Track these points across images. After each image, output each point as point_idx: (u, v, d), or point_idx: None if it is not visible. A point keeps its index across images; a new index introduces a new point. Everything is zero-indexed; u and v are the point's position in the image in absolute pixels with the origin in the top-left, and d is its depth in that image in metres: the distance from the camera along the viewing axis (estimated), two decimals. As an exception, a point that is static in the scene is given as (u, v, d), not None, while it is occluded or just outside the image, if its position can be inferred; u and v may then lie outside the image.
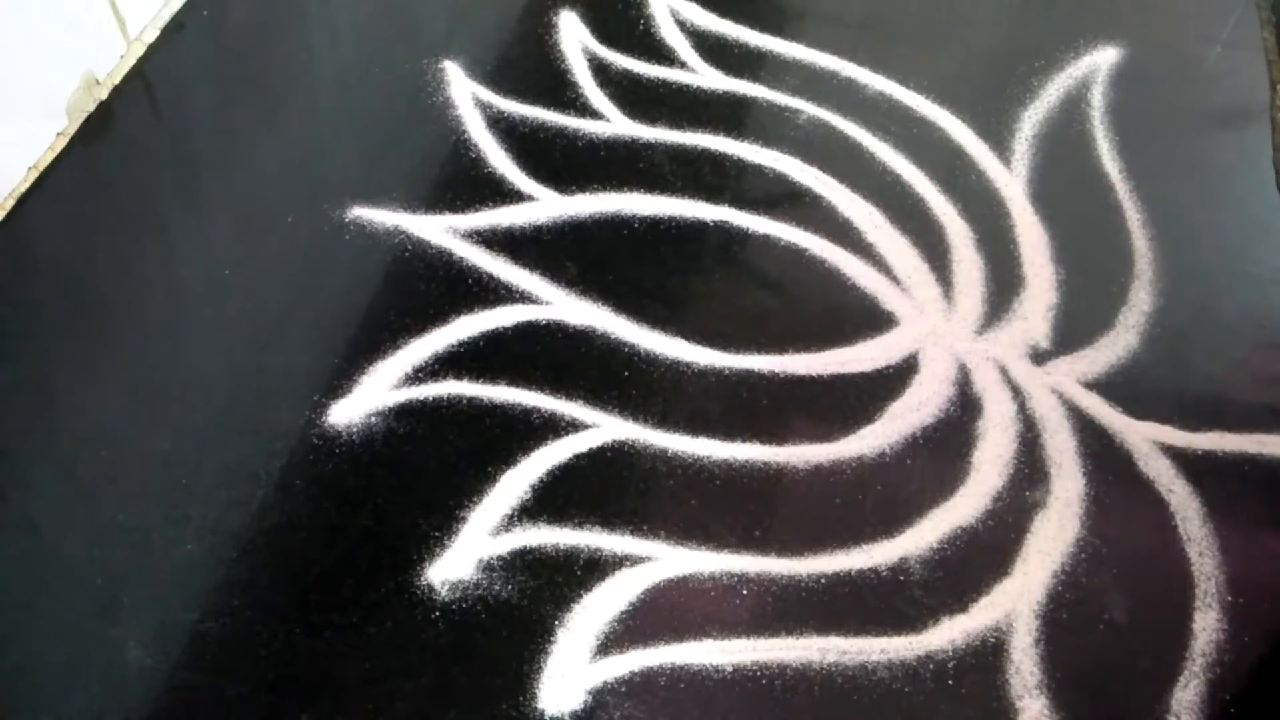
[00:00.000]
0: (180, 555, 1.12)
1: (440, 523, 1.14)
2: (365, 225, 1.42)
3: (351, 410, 1.23)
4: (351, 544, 1.13)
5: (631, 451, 1.21)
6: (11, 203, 1.38)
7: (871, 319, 1.35)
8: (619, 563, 1.12)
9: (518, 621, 1.08)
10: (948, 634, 1.08)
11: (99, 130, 1.47)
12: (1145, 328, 1.33)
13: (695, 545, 1.14)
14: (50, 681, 1.05)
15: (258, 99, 1.57)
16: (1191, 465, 1.21)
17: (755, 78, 1.63)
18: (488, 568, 1.11)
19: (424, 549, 1.13)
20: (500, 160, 1.50)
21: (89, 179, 1.43)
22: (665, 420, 1.23)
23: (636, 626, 1.08)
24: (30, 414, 1.22)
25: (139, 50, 1.55)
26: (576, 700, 1.03)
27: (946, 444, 1.23)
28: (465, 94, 1.58)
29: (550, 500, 1.17)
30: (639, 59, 1.65)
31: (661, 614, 1.09)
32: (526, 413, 1.24)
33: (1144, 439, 1.22)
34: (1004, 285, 1.38)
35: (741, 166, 1.51)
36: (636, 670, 1.05)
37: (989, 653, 1.07)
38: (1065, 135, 1.55)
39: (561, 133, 1.54)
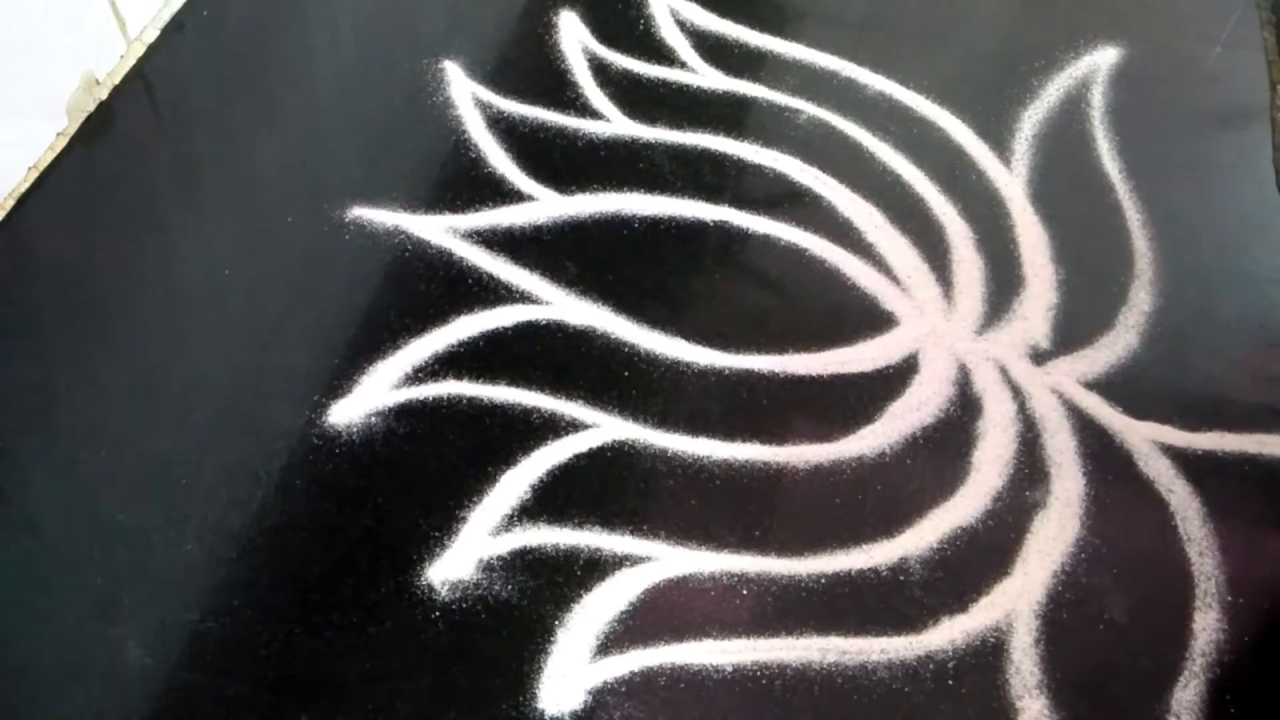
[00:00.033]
0: (180, 555, 1.12)
1: (440, 523, 1.14)
2: (365, 225, 1.42)
3: (351, 410, 1.23)
4: (351, 544, 1.13)
5: (631, 451, 1.21)
6: (11, 203, 1.38)
7: (871, 319, 1.35)
8: (619, 563, 1.12)
9: (518, 621, 1.08)
10: (948, 634, 1.08)
11: (99, 130, 1.47)
12: (1145, 328, 1.33)
13: (695, 545, 1.14)
14: (50, 681, 1.05)
15: (258, 99, 1.57)
16: (1191, 465, 1.21)
17: (755, 78, 1.63)
18: (488, 568, 1.11)
19: (424, 549, 1.13)
20: (500, 160, 1.50)
21: (89, 179, 1.43)
22: (665, 420, 1.23)
23: (636, 626, 1.08)
24: (30, 414, 1.22)
25: (139, 50, 1.56)
26: (576, 700, 1.03)
27: (946, 444, 1.23)
28: (465, 94, 1.58)
29: (550, 500, 1.17)
30: (639, 59, 1.65)
31: (661, 614, 1.09)
32: (526, 413, 1.24)
33: (1144, 439, 1.22)
34: (1004, 285, 1.38)
35: (741, 166, 1.51)
36: (636, 670, 1.05)
37: (989, 653, 1.07)
38: (1065, 135, 1.55)
39: (561, 133, 1.54)
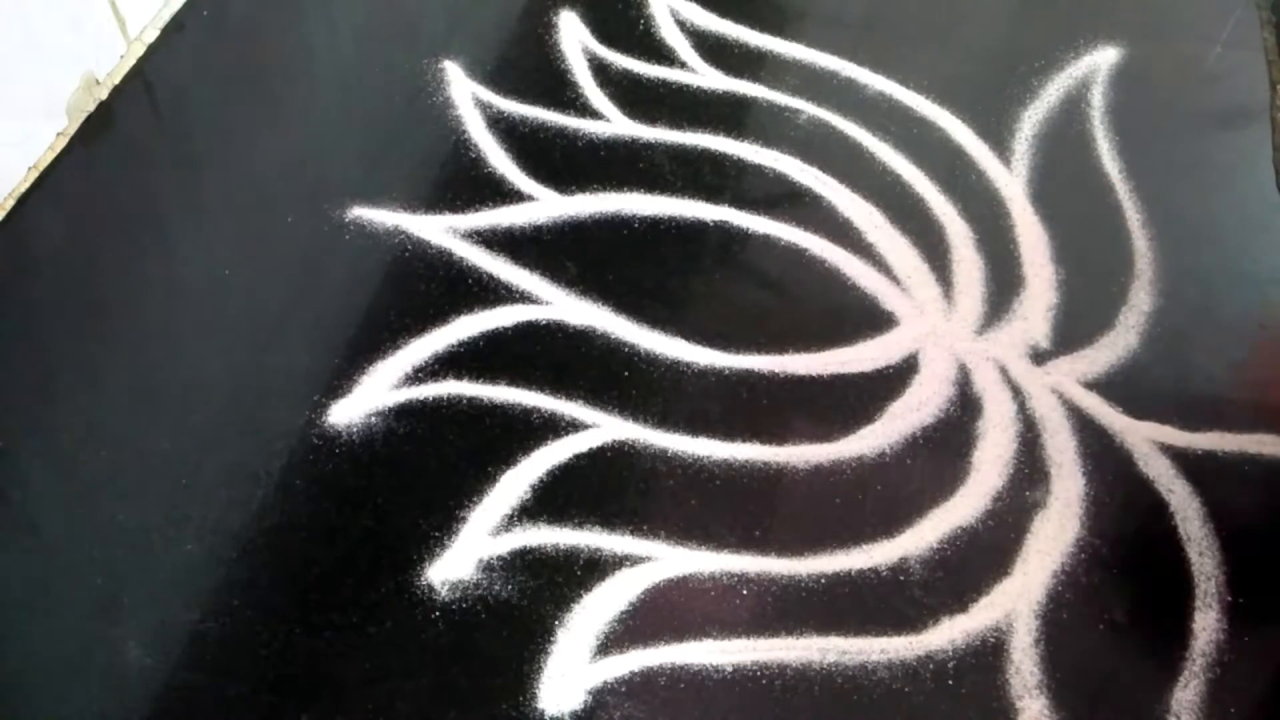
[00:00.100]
0: (180, 555, 1.12)
1: (440, 523, 1.14)
2: (365, 225, 1.42)
3: (351, 410, 1.23)
4: (351, 544, 1.13)
5: (631, 451, 1.21)
6: (11, 203, 1.38)
7: (871, 319, 1.35)
8: (619, 563, 1.12)
9: (518, 621, 1.08)
10: (948, 634, 1.08)
11: (99, 130, 1.47)
12: (1145, 328, 1.33)
13: (695, 545, 1.14)
14: (50, 681, 1.05)
15: (258, 99, 1.57)
16: (1191, 465, 1.21)
17: (755, 78, 1.63)
18: (488, 568, 1.11)
19: (424, 549, 1.13)
20: (500, 160, 1.50)
21: (89, 179, 1.43)
22: (665, 420, 1.23)
23: (636, 626, 1.08)
24: (30, 414, 1.22)
25: (139, 50, 1.56)
26: (576, 700, 1.03)
27: (946, 444, 1.23)
28: (465, 94, 1.58)
29: (550, 500, 1.17)
30: (639, 59, 1.65)
31: (661, 614, 1.09)
32: (526, 413, 1.24)
33: (1144, 439, 1.22)
34: (1004, 285, 1.38)
35: (741, 166, 1.51)
36: (636, 670, 1.05)
37: (989, 653, 1.07)
38: (1065, 135, 1.55)
39: (561, 133, 1.54)
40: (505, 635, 1.07)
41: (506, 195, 1.46)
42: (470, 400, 1.25)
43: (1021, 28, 1.75)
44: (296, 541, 1.13)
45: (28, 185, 1.39)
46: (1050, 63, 1.64)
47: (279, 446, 1.20)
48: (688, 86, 1.61)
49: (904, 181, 1.49)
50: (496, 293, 1.35)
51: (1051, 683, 1.05)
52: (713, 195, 1.47)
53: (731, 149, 1.53)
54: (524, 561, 1.12)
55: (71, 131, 1.45)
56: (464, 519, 1.15)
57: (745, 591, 1.11)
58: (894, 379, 1.29)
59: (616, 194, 1.46)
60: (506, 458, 1.20)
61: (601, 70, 1.63)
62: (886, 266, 1.40)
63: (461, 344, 1.30)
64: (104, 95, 1.49)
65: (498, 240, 1.40)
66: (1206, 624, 1.09)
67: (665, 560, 1.12)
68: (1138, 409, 1.25)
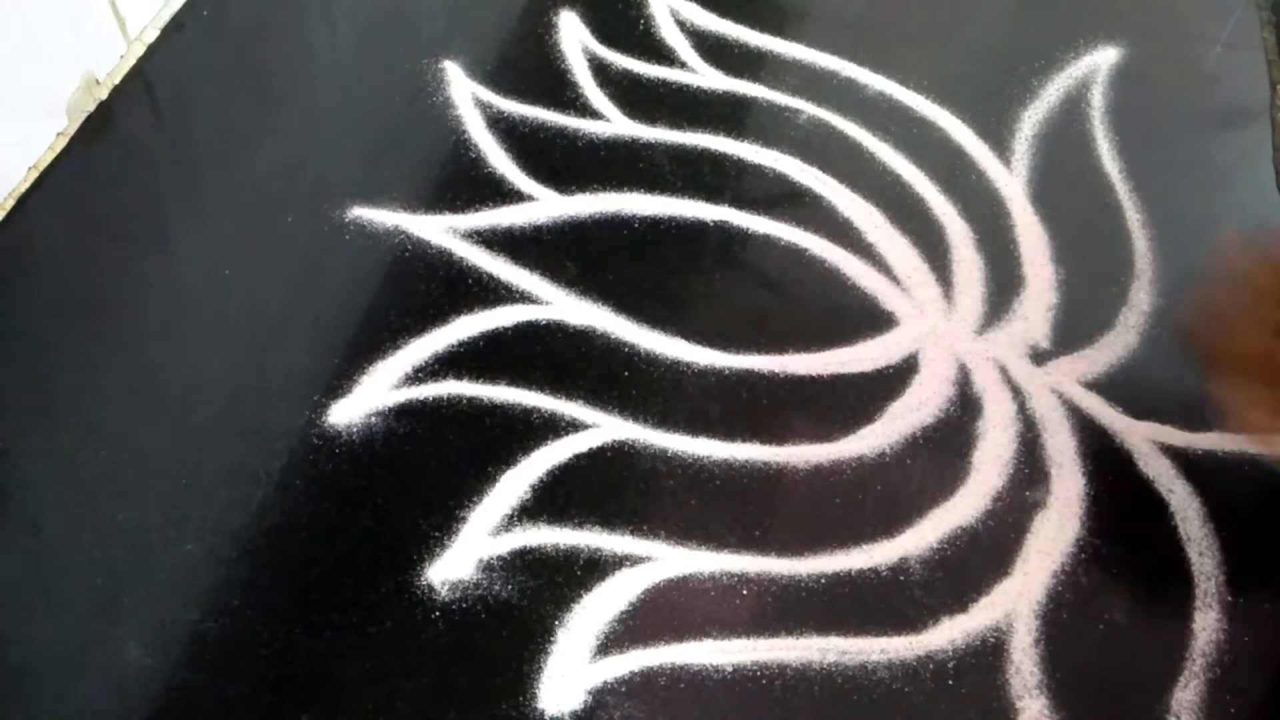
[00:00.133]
0: (180, 555, 1.12)
1: (440, 523, 1.14)
2: (365, 225, 1.42)
3: (351, 410, 1.23)
4: (351, 544, 1.13)
5: (631, 451, 1.21)
6: (11, 203, 1.38)
7: (871, 319, 1.35)
8: (619, 563, 1.12)
9: (518, 621, 1.08)
10: (948, 634, 1.08)
11: (99, 130, 1.47)
12: (1145, 328, 1.33)
13: (695, 545, 1.14)
14: (50, 681, 1.05)
15: (258, 99, 1.57)
16: (1191, 465, 1.21)
17: (755, 78, 1.63)
18: (488, 568, 1.11)
19: (424, 549, 1.13)
20: (500, 160, 1.50)
21: (89, 179, 1.43)
22: (665, 420, 1.23)
23: (636, 626, 1.08)
24: (30, 414, 1.22)
25: (139, 50, 1.56)
26: (576, 700, 1.03)
27: (946, 444, 1.23)
28: (465, 94, 1.58)
29: (550, 500, 1.17)
30: (639, 59, 1.65)
31: (661, 614, 1.09)
32: (526, 413, 1.24)
33: (1144, 439, 1.22)
34: (1004, 285, 1.38)
35: (741, 166, 1.51)
36: (636, 670, 1.05)
37: (989, 653, 1.07)
38: (1065, 135, 1.55)
39: (561, 133, 1.54)
40: (505, 635, 1.07)
41: (506, 195, 1.46)
42: (470, 400, 1.25)
43: (1021, 28, 1.75)
44: (296, 541, 1.13)
45: (28, 185, 1.39)
46: (1050, 63, 1.64)
47: (279, 446, 1.20)
48: (688, 86, 1.61)
49: (904, 181, 1.49)
50: (496, 293, 1.35)
51: (1051, 683, 1.05)
52: (713, 195, 1.47)
53: (731, 149, 1.53)
54: (524, 561, 1.12)
55: (71, 131, 1.45)
56: (464, 519, 1.15)
57: (745, 591, 1.11)
58: (894, 379, 1.29)
59: (616, 194, 1.46)
60: (506, 458, 1.20)
61: (601, 70, 1.63)
62: (886, 266, 1.40)
63: (461, 344, 1.30)
64: (104, 95, 1.49)
65: (498, 240, 1.41)
66: (1206, 624, 1.09)
67: (665, 560, 1.13)
68: (1138, 409, 1.25)
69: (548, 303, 1.34)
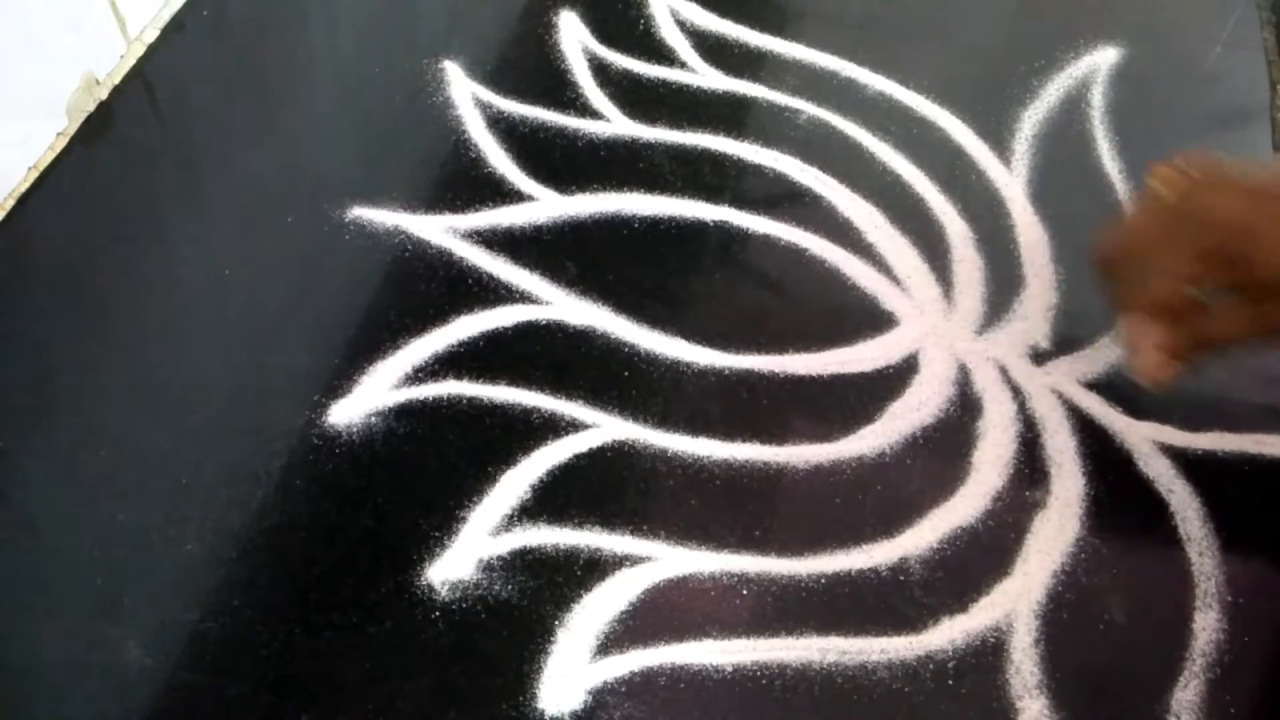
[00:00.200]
0: (180, 555, 1.12)
1: (440, 523, 1.14)
2: (365, 225, 1.42)
3: (351, 410, 1.23)
4: (351, 544, 1.13)
5: (631, 451, 1.21)
6: (11, 203, 1.38)
7: (871, 319, 1.34)
8: (619, 563, 1.12)
9: (518, 621, 1.08)
10: (948, 634, 1.08)
11: (99, 130, 1.47)
12: (1145, 328, 1.33)
13: (695, 545, 1.14)
14: (50, 681, 1.05)
15: (258, 99, 1.57)
16: (1191, 465, 1.20)
17: (755, 78, 1.63)
18: (488, 568, 1.11)
19: (424, 549, 1.12)
20: (500, 160, 1.50)
21: (89, 179, 1.43)
22: (665, 420, 1.23)
23: (636, 626, 1.08)
24: (30, 414, 1.22)
25: (139, 50, 1.55)
26: (576, 700, 1.03)
27: (946, 444, 1.23)
28: (465, 94, 1.58)
29: (550, 500, 1.16)
30: (639, 59, 1.65)
31: (661, 614, 1.09)
32: (526, 413, 1.24)
33: (1144, 439, 1.22)
34: (1004, 285, 1.38)
35: (741, 166, 1.51)
36: (636, 670, 1.05)
37: (989, 653, 1.07)
38: (1065, 135, 1.55)
39: (561, 133, 1.54)
40: (505, 635, 1.07)
41: (506, 195, 1.46)
42: (470, 400, 1.25)
43: (1021, 28, 1.75)
44: (296, 541, 1.13)
45: (28, 185, 1.39)
46: (1050, 63, 1.64)
47: (279, 446, 1.20)
48: (688, 86, 1.61)
49: (904, 181, 1.49)
50: (496, 293, 1.35)
51: (1051, 683, 1.05)
52: (713, 195, 1.47)
53: (731, 149, 1.53)
54: (524, 561, 1.12)
55: (71, 131, 1.45)
56: (464, 519, 1.15)
57: (745, 591, 1.11)
58: (894, 379, 1.28)
59: (616, 194, 1.46)
60: (506, 458, 1.19)
61: (601, 70, 1.63)
62: (886, 266, 1.40)
63: (461, 344, 1.30)
64: (104, 95, 1.49)
65: (498, 240, 1.40)
66: (1206, 624, 1.09)
67: (665, 560, 1.12)
68: (1138, 409, 1.25)
69: (548, 303, 1.34)
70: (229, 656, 1.05)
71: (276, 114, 1.56)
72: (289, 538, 1.13)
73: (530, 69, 1.63)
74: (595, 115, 1.56)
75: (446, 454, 1.20)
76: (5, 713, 1.02)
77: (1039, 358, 1.30)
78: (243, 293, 1.36)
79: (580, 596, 1.09)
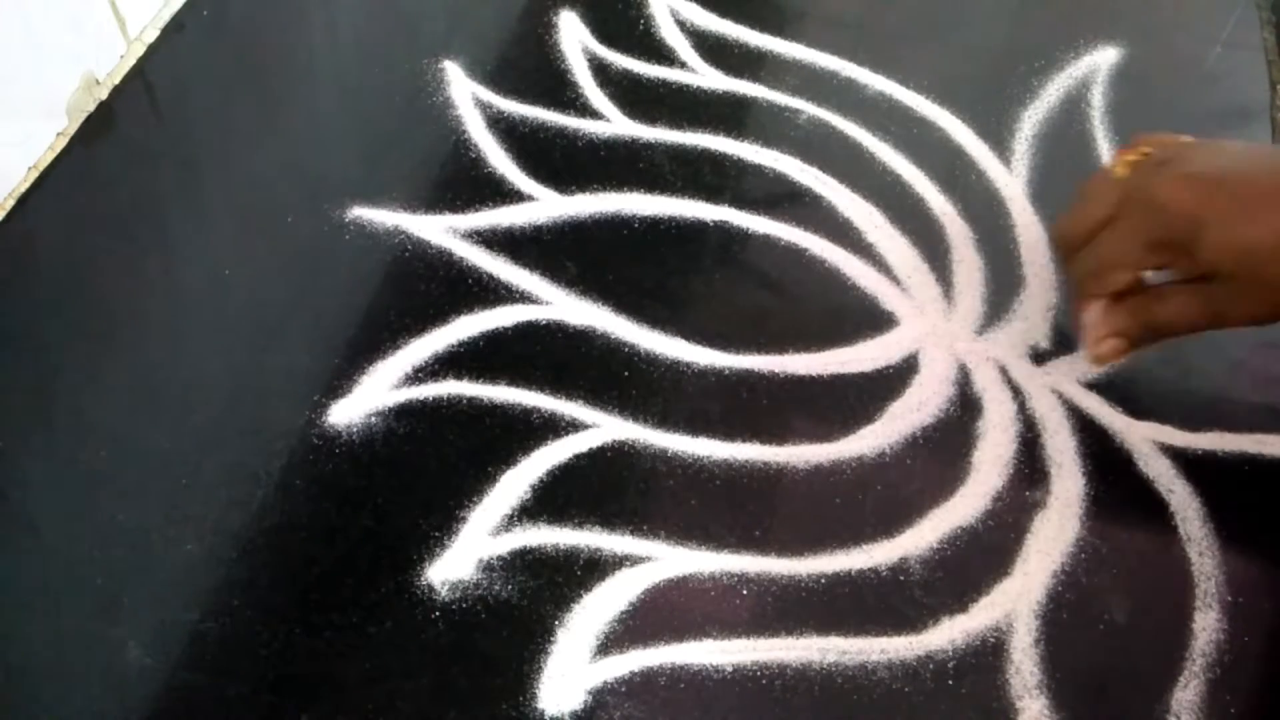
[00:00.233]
0: (180, 555, 1.12)
1: (440, 523, 1.14)
2: (365, 225, 1.42)
3: (351, 410, 1.23)
4: (351, 544, 1.13)
5: (631, 451, 1.21)
6: (11, 203, 1.38)
7: (871, 319, 1.34)
8: (619, 563, 1.12)
9: (518, 621, 1.08)
10: (948, 634, 1.08)
11: (99, 130, 1.47)
12: (1145, 328, 1.33)
13: (695, 545, 1.14)
14: (50, 681, 1.05)
15: (258, 99, 1.57)
16: (1191, 465, 1.20)
17: (755, 78, 1.63)
18: (488, 568, 1.11)
19: (424, 549, 1.12)
20: (500, 160, 1.50)
21: (89, 179, 1.43)
22: (665, 420, 1.23)
23: (636, 626, 1.08)
24: (30, 414, 1.22)
25: (139, 50, 1.55)
26: (576, 700, 1.03)
27: (946, 444, 1.23)
28: (465, 94, 1.58)
29: (550, 500, 1.16)
30: (639, 59, 1.65)
31: (661, 614, 1.09)
32: (526, 413, 1.24)
33: (1144, 439, 1.22)
34: (1004, 285, 1.38)
35: (741, 166, 1.51)
36: (636, 670, 1.05)
37: (989, 653, 1.07)
38: (1065, 135, 1.55)
39: (561, 133, 1.54)
40: (505, 635, 1.07)
41: (506, 195, 1.46)
42: (470, 400, 1.25)
43: (1021, 28, 1.75)
44: (296, 541, 1.13)
45: (28, 185, 1.39)
46: (1050, 63, 1.64)
47: (279, 446, 1.20)
48: (688, 86, 1.61)
49: (904, 181, 1.49)
50: (496, 293, 1.35)
51: (1051, 683, 1.05)
52: (713, 195, 1.47)
53: (731, 149, 1.53)
54: (524, 561, 1.12)
55: (71, 131, 1.45)
56: (464, 519, 1.15)
57: (745, 591, 1.11)
58: (894, 379, 1.28)
59: (616, 194, 1.46)
60: (506, 458, 1.19)
61: (601, 70, 1.63)
62: (886, 266, 1.40)
63: (461, 344, 1.30)
64: (104, 95, 1.49)
65: (498, 240, 1.40)
66: (1206, 624, 1.09)
67: (665, 560, 1.12)
68: (1138, 409, 1.25)
69: (548, 303, 1.34)
70: (229, 656, 1.05)
71: (276, 114, 1.56)
72: (289, 538, 1.13)
73: (530, 69, 1.63)
74: (595, 115, 1.56)
75: (446, 454, 1.20)
76: (5, 713, 1.02)
77: (1039, 358, 1.30)
78: (243, 293, 1.36)
79: (580, 596, 1.09)
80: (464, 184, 1.47)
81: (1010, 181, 1.49)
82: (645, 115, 1.56)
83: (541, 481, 1.18)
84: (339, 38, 1.69)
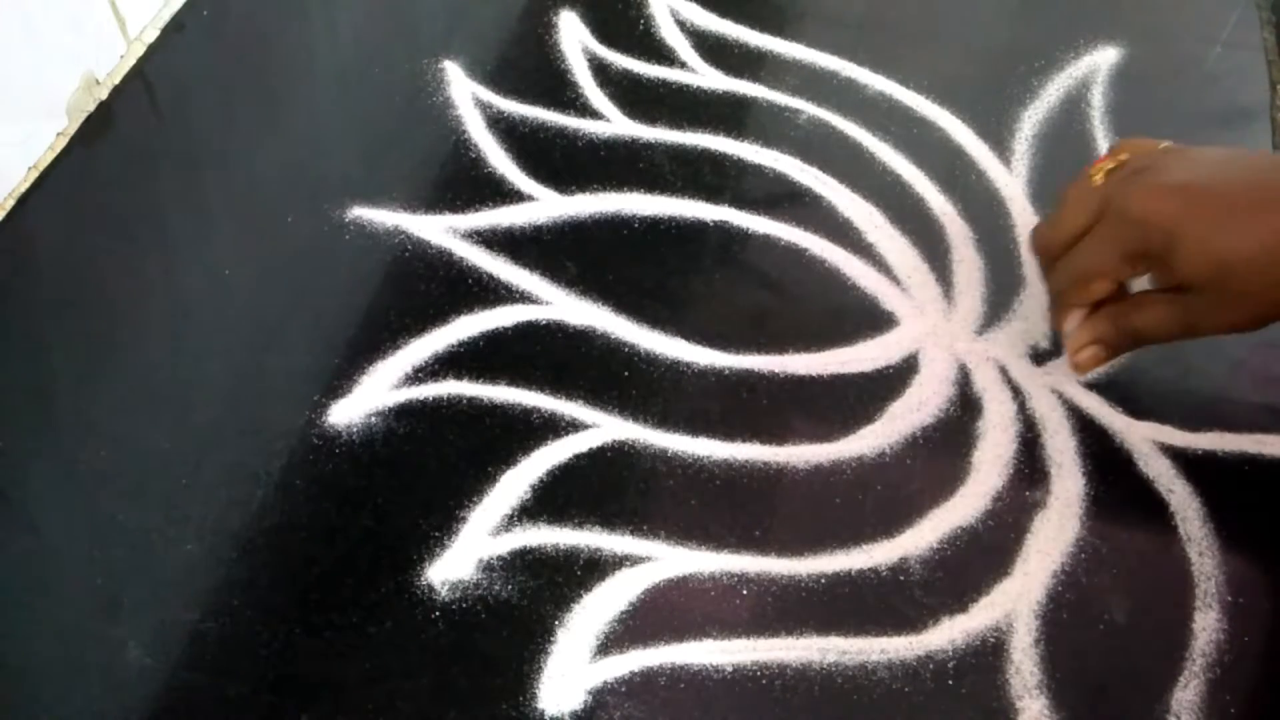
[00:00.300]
0: (180, 555, 1.12)
1: (440, 523, 1.14)
2: (365, 225, 1.42)
3: (351, 410, 1.23)
4: (351, 544, 1.13)
5: (631, 451, 1.21)
6: (11, 203, 1.38)
7: (871, 319, 1.34)
8: (619, 563, 1.12)
9: (518, 621, 1.08)
10: (948, 634, 1.08)
11: (99, 130, 1.47)
12: (1145, 328, 1.33)
13: (695, 545, 1.14)
14: (50, 681, 1.05)
15: (258, 99, 1.57)
16: (1191, 465, 1.20)
17: (755, 78, 1.63)
18: (488, 568, 1.11)
19: (424, 549, 1.12)
20: (500, 160, 1.50)
21: (89, 179, 1.43)
22: (665, 420, 1.23)
23: (636, 626, 1.08)
24: (30, 414, 1.22)
25: (139, 50, 1.56)
26: (576, 700, 1.03)
27: (946, 444, 1.23)
28: (465, 94, 1.58)
29: (550, 500, 1.16)
30: (639, 59, 1.65)
31: (661, 614, 1.09)
32: (526, 413, 1.24)
33: (1144, 439, 1.22)
34: (1004, 285, 1.38)
35: (741, 166, 1.51)
36: (636, 670, 1.05)
37: (989, 653, 1.07)
38: (1065, 135, 1.55)
39: (561, 133, 1.54)
40: (505, 635, 1.07)
41: (506, 195, 1.46)
42: (470, 400, 1.25)
43: (1021, 28, 1.75)
44: (296, 541, 1.13)
45: (28, 185, 1.39)
46: (1050, 63, 1.64)
47: (279, 446, 1.20)
48: (688, 86, 1.61)
49: (904, 181, 1.49)
50: (496, 293, 1.35)
51: (1051, 683, 1.05)
52: (713, 195, 1.47)
53: (731, 149, 1.53)
54: (524, 561, 1.12)
55: (71, 131, 1.45)
56: (464, 519, 1.15)
57: (745, 591, 1.11)
58: (894, 379, 1.28)
59: (616, 194, 1.46)
60: (506, 458, 1.19)
61: (601, 70, 1.63)
62: (886, 266, 1.40)
63: (461, 344, 1.30)
64: (104, 95, 1.49)
65: (498, 240, 1.40)
66: (1206, 624, 1.09)
67: (665, 560, 1.12)
68: (1138, 409, 1.25)
69: (548, 303, 1.34)
70: (229, 656, 1.05)
71: (276, 114, 1.56)
72: (289, 538, 1.13)
73: (530, 69, 1.63)
74: (595, 115, 1.56)
75: (446, 454, 1.20)
76: (5, 713, 1.02)
77: (1039, 358, 1.30)
78: (243, 293, 1.36)
79: (580, 596, 1.09)
80: (464, 184, 1.47)
81: (1010, 181, 1.49)
82: (645, 115, 1.56)
83: (541, 481, 1.18)
84: (339, 38, 1.69)
